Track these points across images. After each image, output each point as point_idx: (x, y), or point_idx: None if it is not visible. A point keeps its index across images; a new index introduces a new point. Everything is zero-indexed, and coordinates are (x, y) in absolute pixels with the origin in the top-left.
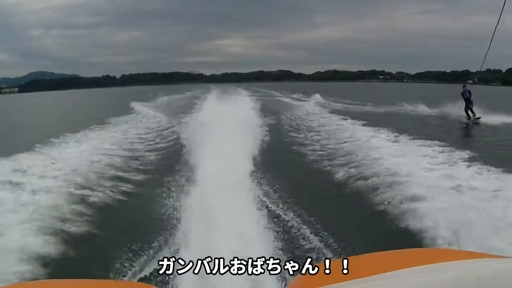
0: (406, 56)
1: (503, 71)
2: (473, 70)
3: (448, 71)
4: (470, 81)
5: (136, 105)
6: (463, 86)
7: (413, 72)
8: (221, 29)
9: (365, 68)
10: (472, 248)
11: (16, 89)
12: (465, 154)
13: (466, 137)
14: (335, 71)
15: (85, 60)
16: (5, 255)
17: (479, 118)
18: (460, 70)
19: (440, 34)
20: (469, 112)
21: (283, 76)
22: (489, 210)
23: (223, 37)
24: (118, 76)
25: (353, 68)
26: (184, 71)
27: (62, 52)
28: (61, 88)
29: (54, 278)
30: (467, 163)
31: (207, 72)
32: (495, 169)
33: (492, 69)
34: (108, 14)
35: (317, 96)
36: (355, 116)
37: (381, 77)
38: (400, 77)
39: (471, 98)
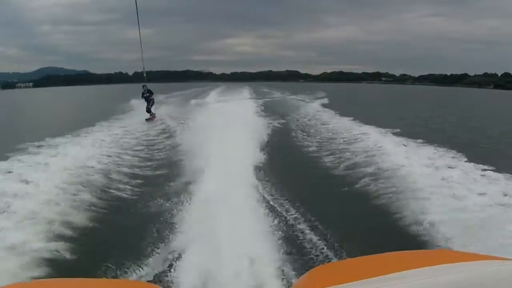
0: (413, 58)
1: (499, 75)
2: (471, 73)
3: (449, 74)
4: (143, 86)
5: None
6: (143, 86)
7: (416, 75)
8: (232, 28)
9: (371, 69)
10: (474, 250)
11: (30, 84)
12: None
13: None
14: (341, 72)
15: (95, 56)
16: (7, 255)
17: (148, 119)
18: (459, 74)
19: (447, 37)
20: (149, 110)
21: (291, 76)
22: (492, 213)
23: (234, 36)
24: (130, 73)
25: (360, 69)
26: (194, 70)
27: (72, 48)
28: (74, 84)
29: (56, 277)
30: None
31: (217, 70)
32: None
33: (489, 72)
34: (118, 11)
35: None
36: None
37: (383, 79)
38: (403, 79)
39: (151, 98)
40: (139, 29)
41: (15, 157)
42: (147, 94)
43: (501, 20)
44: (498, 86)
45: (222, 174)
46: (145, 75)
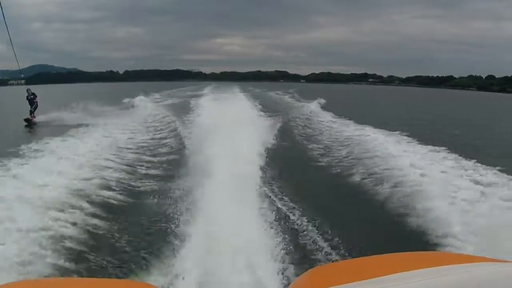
0: (402, 59)
1: (484, 77)
2: (456, 75)
3: (435, 76)
4: (28, 90)
5: (141, 102)
6: (27, 90)
7: (404, 76)
8: (222, 27)
9: (360, 70)
10: (473, 252)
11: (23, 81)
12: None
13: None
14: (329, 73)
15: (85, 54)
16: (12, 254)
17: (28, 119)
18: (444, 76)
19: (437, 39)
20: (32, 112)
21: (280, 77)
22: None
23: (224, 36)
24: (121, 71)
25: (348, 70)
26: (184, 69)
27: (62, 46)
28: (66, 82)
29: (55, 277)
30: None
31: (207, 70)
32: None
33: (474, 75)
34: (108, 9)
35: None
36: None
37: (370, 80)
38: (391, 80)
39: (35, 100)
40: (6, 24)
41: (14, 159)
42: (31, 97)
43: (490, 22)
44: (481, 88)
45: (222, 173)
46: (22, 75)
